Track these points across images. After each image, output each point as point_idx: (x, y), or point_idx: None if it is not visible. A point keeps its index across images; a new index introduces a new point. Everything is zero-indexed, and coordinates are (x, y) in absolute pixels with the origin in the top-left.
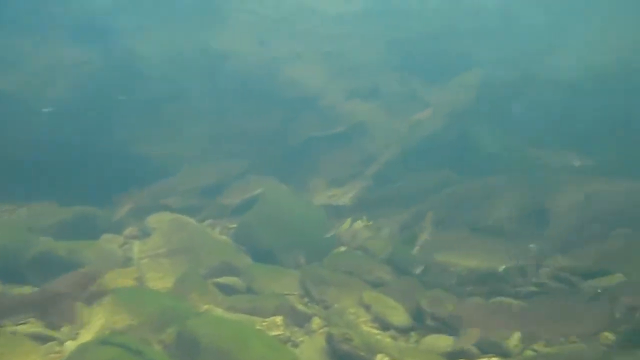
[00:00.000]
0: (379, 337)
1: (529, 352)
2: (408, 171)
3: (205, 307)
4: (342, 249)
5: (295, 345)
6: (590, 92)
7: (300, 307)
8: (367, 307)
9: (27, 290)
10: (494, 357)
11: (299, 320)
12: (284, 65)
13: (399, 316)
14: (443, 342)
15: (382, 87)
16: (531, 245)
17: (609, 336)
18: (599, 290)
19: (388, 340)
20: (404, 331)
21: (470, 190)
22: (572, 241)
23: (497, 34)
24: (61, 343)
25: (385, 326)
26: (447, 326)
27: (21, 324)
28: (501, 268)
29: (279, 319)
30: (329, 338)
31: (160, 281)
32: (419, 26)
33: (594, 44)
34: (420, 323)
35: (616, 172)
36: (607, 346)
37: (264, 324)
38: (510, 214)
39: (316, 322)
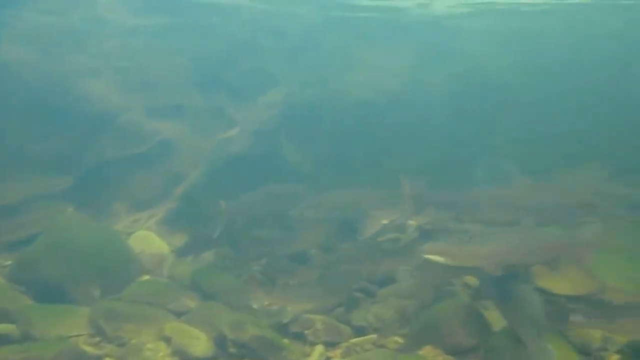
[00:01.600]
0: None
1: None
2: (216, 190)
3: None
4: (146, 277)
5: None
6: (383, 109)
7: (88, 348)
8: (168, 340)
9: None
10: None
11: None
12: (75, 80)
13: (201, 346)
14: None
15: (187, 104)
16: None
17: None
18: None
19: None
20: None
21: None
22: None
23: (301, 54)
24: None
25: (185, 358)
26: (249, 350)
27: None
28: None
29: None
30: None
31: None
32: (224, 43)
33: (389, 66)
34: (224, 350)
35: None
36: None
37: None
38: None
39: None
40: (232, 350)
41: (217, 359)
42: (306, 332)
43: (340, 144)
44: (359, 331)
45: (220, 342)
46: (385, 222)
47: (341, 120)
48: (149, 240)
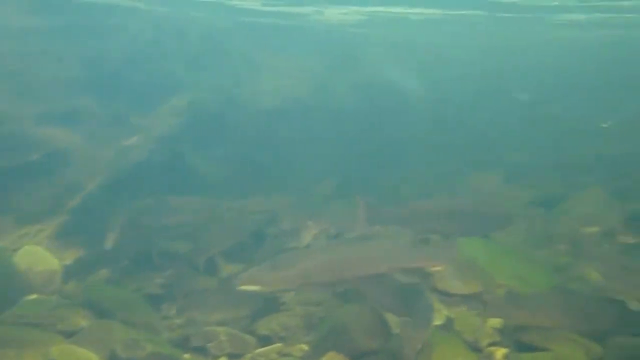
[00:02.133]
0: None
1: None
2: (115, 201)
3: None
4: (33, 296)
5: None
6: (289, 115)
7: None
8: None
9: None
10: None
11: None
12: None
13: None
14: None
15: (82, 111)
16: None
17: None
18: None
19: None
20: None
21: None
22: None
23: (204, 59)
24: None
25: None
26: None
27: None
28: None
29: None
30: None
31: None
32: (123, 46)
33: (291, 74)
34: None
35: None
36: None
37: None
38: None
39: None
40: None
41: None
42: (209, 345)
43: (246, 151)
44: (265, 340)
45: None
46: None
47: (247, 127)
48: (37, 255)
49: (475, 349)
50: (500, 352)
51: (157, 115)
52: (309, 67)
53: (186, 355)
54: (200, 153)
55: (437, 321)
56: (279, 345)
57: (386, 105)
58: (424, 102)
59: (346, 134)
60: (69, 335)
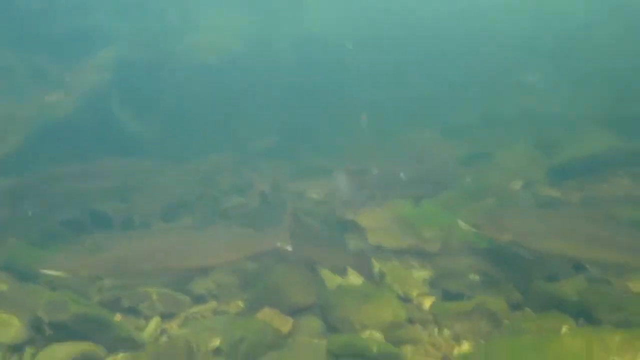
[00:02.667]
0: None
1: None
2: (38, 161)
3: None
4: None
5: None
6: (225, 72)
7: None
8: None
9: None
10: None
11: None
12: None
13: (11, 332)
14: (61, 351)
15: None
16: None
17: None
18: None
19: None
20: (16, 349)
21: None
22: None
23: (131, 11)
24: None
25: None
26: (70, 331)
27: None
28: None
29: None
30: None
31: None
32: None
33: (226, 29)
34: (42, 333)
35: None
36: None
37: None
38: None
39: None
40: (49, 332)
41: (34, 344)
42: (141, 305)
43: (179, 109)
44: (199, 300)
45: (37, 325)
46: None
47: (179, 83)
48: None
49: (406, 299)
50: (429, 301)
51: (83, 69)
52: (246, 21)
53: (117, 316)
54: (131, 111)
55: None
56: (213, 303)
57: (325, 61)
58: (365, 61)
59: (284, 90)
60: None
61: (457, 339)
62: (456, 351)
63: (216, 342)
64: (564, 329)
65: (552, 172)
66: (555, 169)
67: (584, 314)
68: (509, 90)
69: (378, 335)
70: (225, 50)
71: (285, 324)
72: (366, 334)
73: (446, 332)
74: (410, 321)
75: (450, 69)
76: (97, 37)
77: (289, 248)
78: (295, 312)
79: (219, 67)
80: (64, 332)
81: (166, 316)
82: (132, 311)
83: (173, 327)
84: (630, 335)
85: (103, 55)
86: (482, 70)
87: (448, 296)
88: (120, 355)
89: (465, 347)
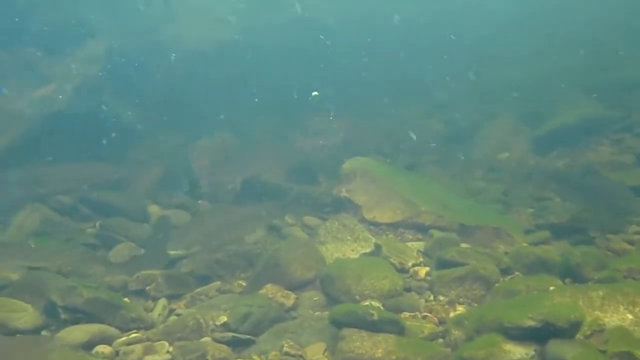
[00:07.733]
0: None
1: None
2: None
3: None
4: None
5: None
6: (214, 61)
7: None
8: None
9: None
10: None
11: None
12: None
13: (27, 318)
14: (78, 333)
15: None
16: None
17: None
18: None
19: None
20: (33, 332)
21: None
22: None
23: (118, 1)
24: None
25: (10, 332)
26: (84, 315)
27: None
28: None
29: None
30: None
31: None
32: None
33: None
34: (56, 318)
35: None
36: None
37: None
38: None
39: None
40: (64, 317)
41: (49, 328)
42: (147, 288)
43: (173, 98)
44: (204, 280)
45: (51, 310)
46: None
47: (171, 73)
48: None
49: (402, 270)
50: (423, 270)
51: (72, 62)
52: (232, 8)
53: (126, 299)
54: (124, 101)
55: (367, 249)
56: (217, 283)
57: (316, 44)
58: (355, 45)
59: (274, 74)
60: (2, 288)
61: (452, 304)
62: (452, 315)
63: (224, 318)
64: (552, 288)
65: (536, 142)
66: (539, 139)
67: (571, 275)
68: (492, 62)
69: (377, 304)
70: (213, 39)
71: (288, 298)
72: (366, 303)
73: (441, 298)
74: (407, 289)
75: (434, 46)
76: (84, 30)
77: None
78: (296, 287)
79: (208, 55)
80: (77, 315)
81: (172, 297)
82: (140, 293)
83: (180, 306)
84: (612, 289)
85: (92, 47)
86: (465, 45)
87: (442, 265)
88: (133, 334)
89: (460, 311)
